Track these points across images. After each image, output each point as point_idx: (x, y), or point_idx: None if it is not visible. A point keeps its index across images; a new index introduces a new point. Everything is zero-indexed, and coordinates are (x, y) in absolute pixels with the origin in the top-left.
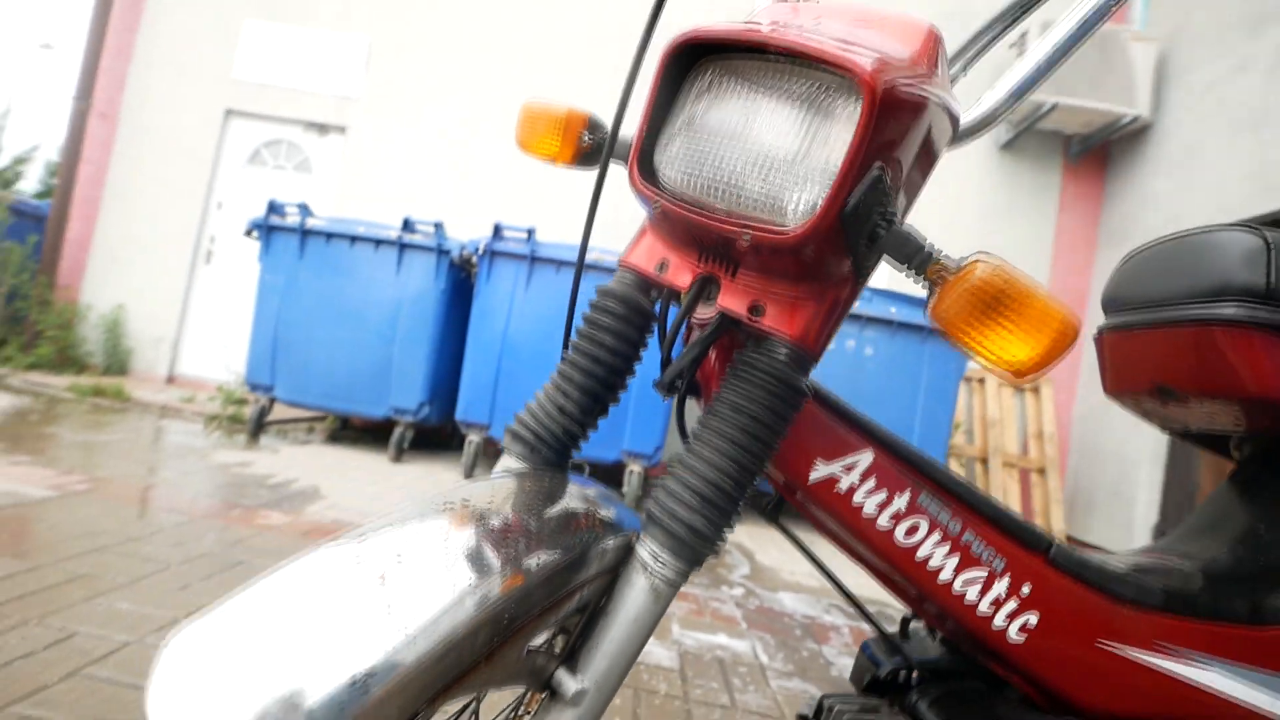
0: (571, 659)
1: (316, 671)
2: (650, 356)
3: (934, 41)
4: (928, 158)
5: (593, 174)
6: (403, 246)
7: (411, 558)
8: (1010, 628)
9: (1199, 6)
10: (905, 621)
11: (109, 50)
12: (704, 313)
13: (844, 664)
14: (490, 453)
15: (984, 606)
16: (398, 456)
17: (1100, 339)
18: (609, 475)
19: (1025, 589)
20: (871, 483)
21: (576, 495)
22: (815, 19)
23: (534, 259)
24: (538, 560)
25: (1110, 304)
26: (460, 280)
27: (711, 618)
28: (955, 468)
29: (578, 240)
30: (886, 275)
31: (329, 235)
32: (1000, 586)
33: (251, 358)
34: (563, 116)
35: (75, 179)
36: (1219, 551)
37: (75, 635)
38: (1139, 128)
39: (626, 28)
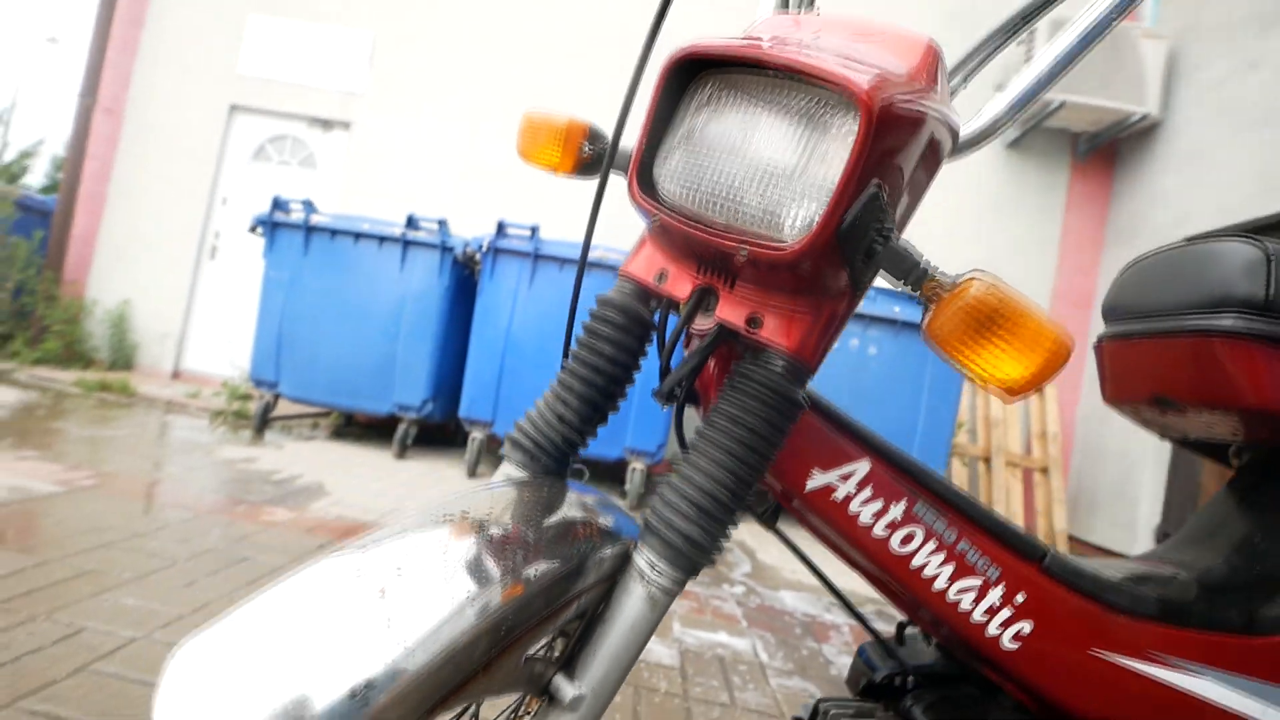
0: (569, 665)
1: (317, 684)
2: (652, 359)
3: (933, 56)
4: (926, 171)
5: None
6: (407, 243)
7: (411, 570)
8: (1004, 635)
9: (1209, 4)
10: (901, 627)
11: (114, 46)
12: (702, 323)
13: (843, 663)
14: (493, 449)
15: (978, 615)
16: (401, 453)
17: (1100, 347)
18: (612, 473)
19: (1019, 597)
20: (868, 492)
21: (575, 503)
22: (815, 32)
23: (538, 256)
24: (536, 570)
25: (1110, 313)
26: (464, 277)
27: (712, 616)
28: (958, 467)
29: (581, 238)
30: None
31: (333, 232)
32: (994, 595)
33: (256, 354)
34: (563, 127)
35: (80, 175)
36: (1214, 560)
37: (83, 631)
38: (1148, 126)
39: (630, 22)
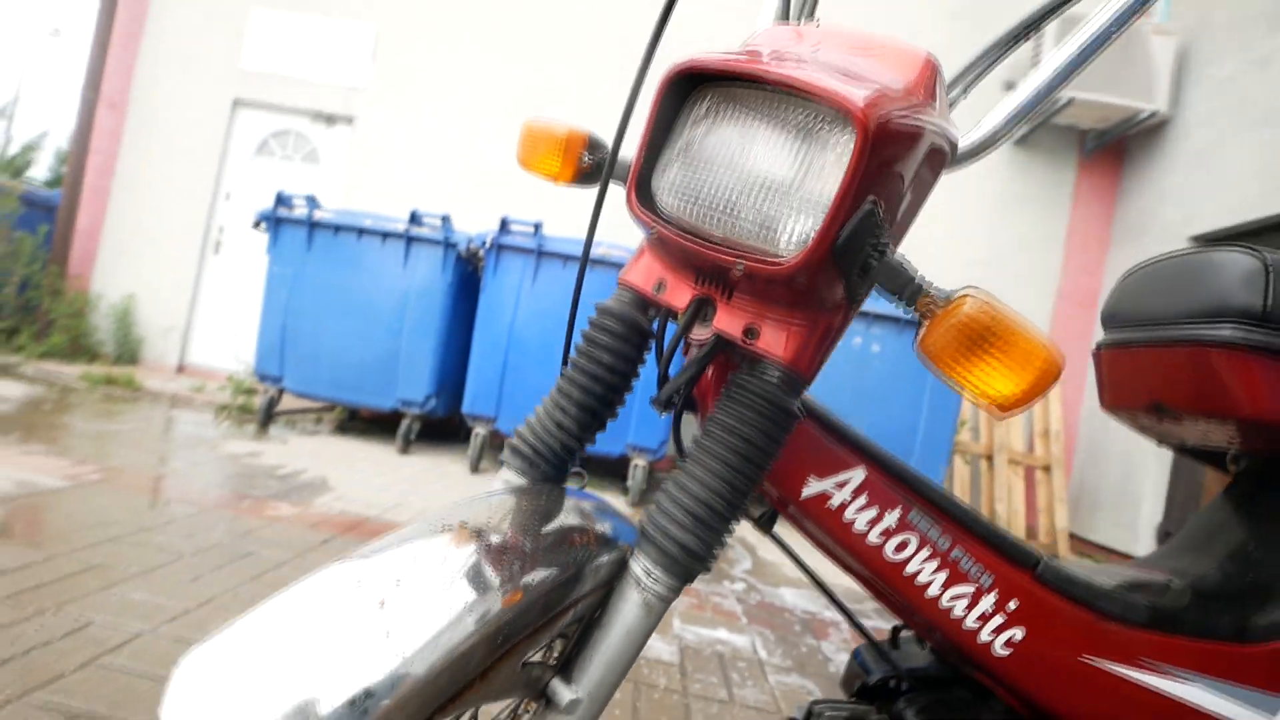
0: (566, 668)
1: (319, 694)
2: (652, 363)
3: (931, 69)
4: (924, 184)
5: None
6: (410, 239)
7: (410, 581)
8: (996, 642)
9: (1221, 1)
10: (895, 630)
11: (117, 39)
12: (700, 333)
13: (842, 660)
14: (496, 445)
15: (970, 621)
16: (405, 448)
17: (1098, 354)
18: (614, 469)
19: (1012, 604)
20: (863, 500)
21: (572, 510)
22: (814, 46)
23: (541, 253)
24: (533, 579)
25: (1109, 320)
26: (467, 273)
27: (712, 612)
28: (960, 464)
29: (584, 234)
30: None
31: (336, 228)
32: (987, 602)
33: (260, 349)
34: (563, 137)
35: (84, 169)
36: (1208, 568)
37: (91, 625)
38: (1157, 123)
39: (634, 19)
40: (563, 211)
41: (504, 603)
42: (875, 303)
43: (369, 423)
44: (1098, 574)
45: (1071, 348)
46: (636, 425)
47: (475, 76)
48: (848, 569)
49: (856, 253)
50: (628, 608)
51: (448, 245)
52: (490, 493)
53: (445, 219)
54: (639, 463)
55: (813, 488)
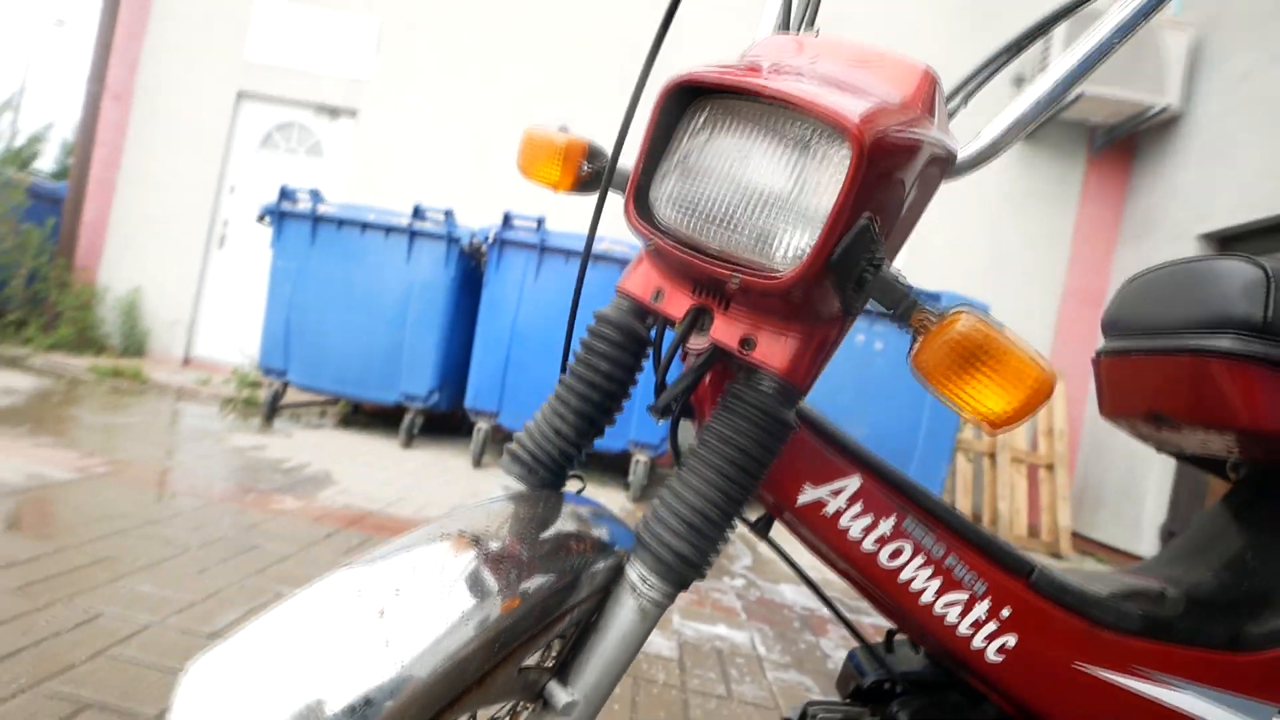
0: (563, 671)
1: (319, 703)
2: (652, 369)
3: (930, 82)
4: (922, 196)
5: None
6: (413, 234)
7: (409, 590)
8: (989, 648)
9: None
10: (890, 634)
11: (121, 31)
12: (697, 342)
13: (840, 656)
14: (498, 439)
15: (964, 628)
16: (408, 442)
17: (1098, 362)
18: (615, 464)
19: (1005, 612)
20: (858, 507)
21: (570, 516)
22: (813, 58)
23: (544, 248)
24: (530, 586)
25: (1109, 327)
26: (470, 268)
27: (712, 608)
28: (963, 462)
29: (586, 230)
30: (899, 268)
31: (340, 222)
32: (980, 609)
33: (265, 343)
34: (562, 146)
35: (90, 162)
36: (1204, 576)
37: (101, 616)
38: (1168, 118)
39: (639, 10)
40: (565, 207)
41: (502, 609)
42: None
43: (372, 416)
44: (1092, 582)
45: (1076, 346)
46: (638, 421)
47: (479, 70)
48: (843, 574)
49: (852, 267)
50: (624, 613)
51: (451, 240)
52: (489, 500)
53: (448, 214)
54: (640, 459)
55: (808, 495)
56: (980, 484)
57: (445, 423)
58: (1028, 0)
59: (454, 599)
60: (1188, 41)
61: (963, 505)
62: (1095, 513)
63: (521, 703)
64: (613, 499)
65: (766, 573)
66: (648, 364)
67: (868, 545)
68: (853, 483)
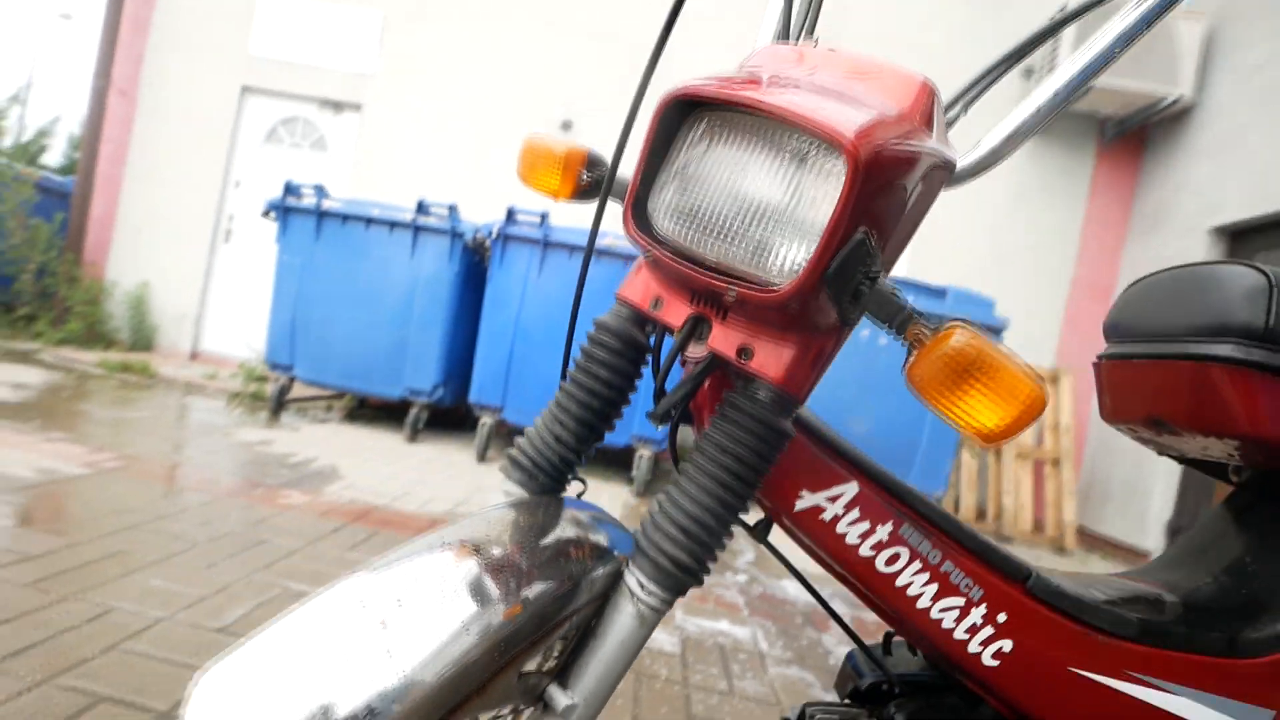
0: (563, 674)
1: (324, 713)
2: (651, 375)
3: (928, 94)
4: (920, 206)
5: (593, 202)
6: (417, 229)
7: (411, 600)
8: (985, 653)
9: None
10: (888, 636)
11: (126, 25)
12: (696, 351)
13: (842, 652)
14: (502, 434)
15: (960, 632)
16: (413, 437)
17: (1099, 366)
18: (619, 459)
19: (1001, 617)
20: (855, 513)
21: (569, 523)
22: (811, 69)
23: (547, 243)
24: (530, 594)
25: (1111, 331)
26: (474, 263)
27: (715, 604)
28: (967, 458)
29: (591, 225)
30: (904, 264)
31: (345, 217)
32: (977, 614)
33: (271, 338)
34: (562, 155)
35: (97, 157)
36: (1203, 580)
37: (113, 611)
38: (1180, 110)
39: (643, 2)
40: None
41: (502, 618)
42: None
43: (378, 411)
44: (1089, 587)
45: (1084, 341)
46: (641, 417)
47: (482, 63)
48: (841, 579)
49: (848, 281)
50: (622, 619)
51: (454, 235)
52: (490, 507)
53: (452, 208)
54: (644, 453)
55: (806, 501)
56: (985, 479)
57: (450, 417)
58: None
59: (455, 608)
60: (1201, 32)
61: (967, 500)
62: (1101, 508)
63: (522, 706)
64: (616, 494)
65: (769, 568)
66: (647, 369)
67: (865, 551)
68: (850, 489)
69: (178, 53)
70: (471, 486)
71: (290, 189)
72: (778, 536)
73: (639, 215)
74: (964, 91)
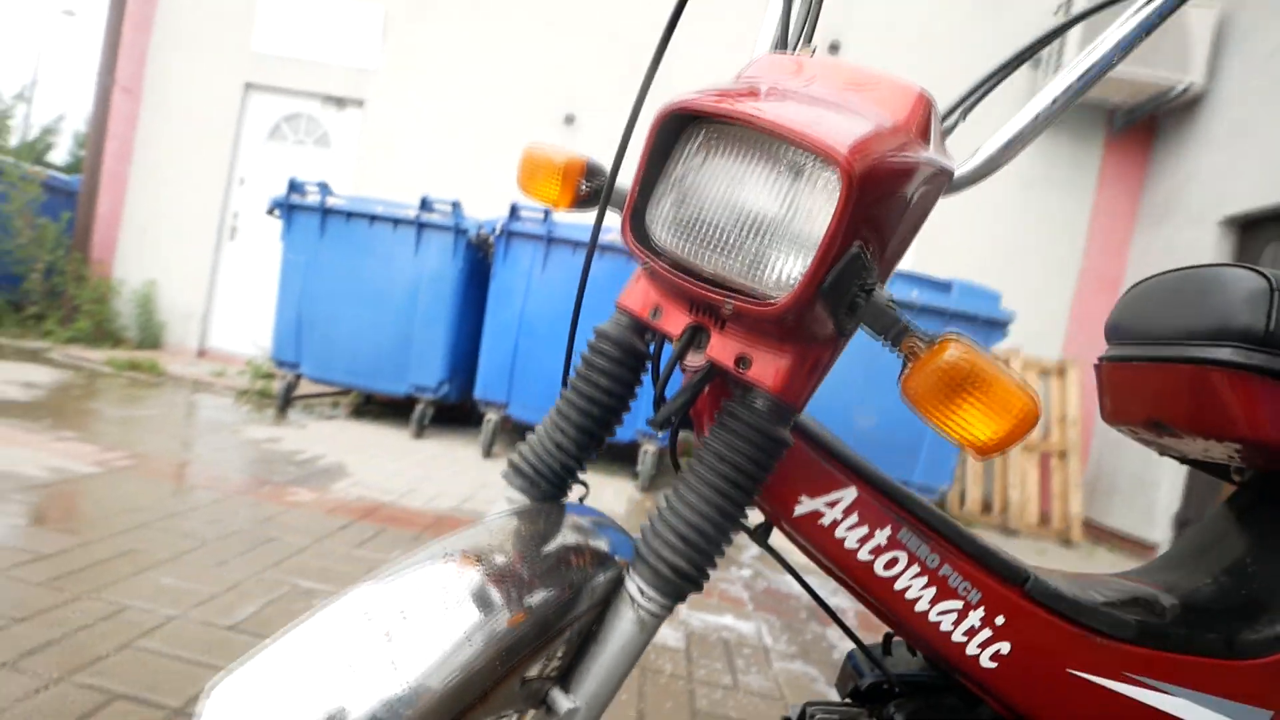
0: (565, 678)
1: None
2: (650, 383)
3: (924, 105)
4: (917, 215)
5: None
6: (421, 226)
7: (414, 612)
8: (982, 655)
9: None
10: (888, 636)
11: (129, 23)
12: (694, 360)
13: (845, 647)
14: (507, 430)
15: (958, 635)
16: (419, 433)
17: (1099, 368)
18: (625, 454)
19: (999, 620)
20: (854, 519)
21: (570, 530)
22: (808, 80)
23: (550, 240)
24: (531, 603)
25: (1112, 333)
26: (478, 260)
27: (719, 599)
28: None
29: (593, 221)
30: (909, 257)
31: (349, 214)
32: (975, 617)
33: (277, 335)
34: (561, 165)
35: (102, 155)
36: (1202, 581)
37: (126, 609)
38: (1191, 98)
39: None
40: None
41: (503, 630)
42: (890, 288)
43: (384, 406)
44: (1089, 588)
45: (1091, 333)
46: (646, 411)
47: (485, 58)
48: (840, 581)
49: (843, 294)
50: (623, 625)
51: (458, 231)
52: (492, 516)
53: (455, 205)
54: (649, 449)
55: (804, 506)
56: (991, 472)
57: (455, 413)
58: None
59: (458, 619)
60: (1213, 19)
61: (973, 493)
62: (1108, 500)
63: (525, 709)
64: (621, 488)
65: (773, 563)
66: (647, 376)
67: (863, 555)
68: (848, 494)
69: (180, 49)
70: (477, 483)
71: (294, 186)
72: (779, 536)
73: (637, 227)
74: (962, 99)
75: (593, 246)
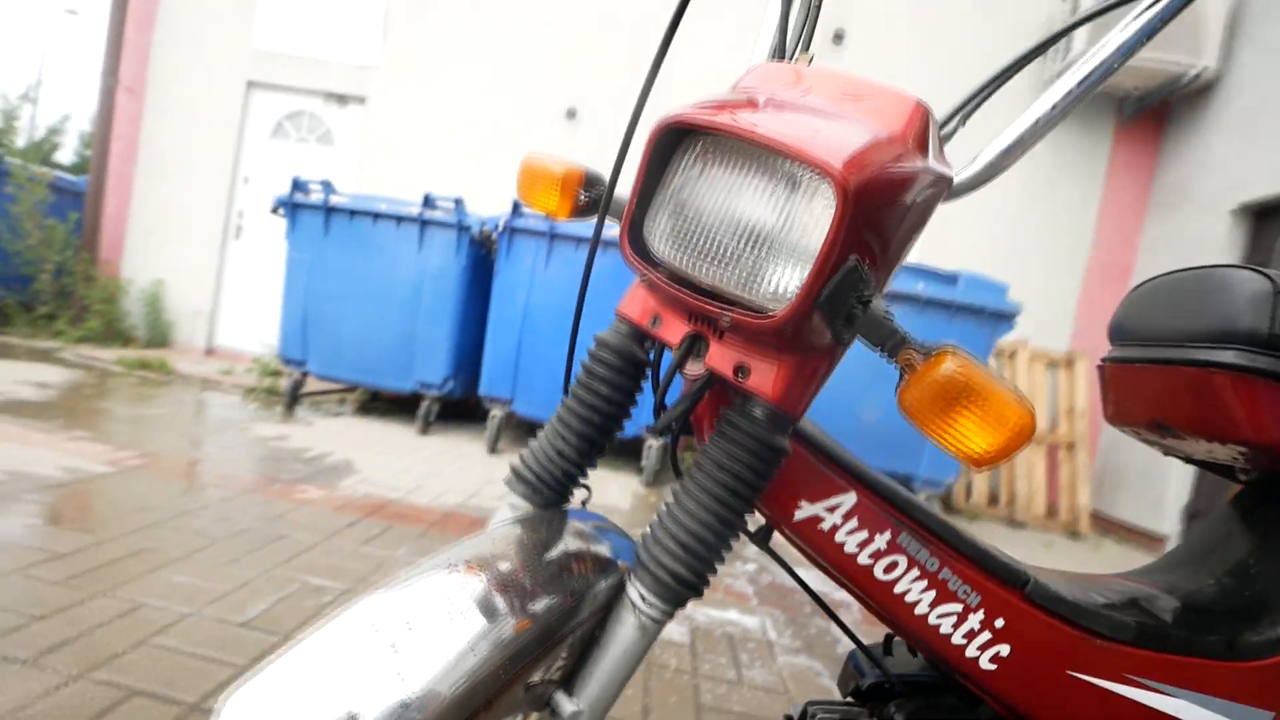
0: (568, 681)
1: None
2: (651, 390)
3: (921, 115)
4: (915, 224)
5: (592, 219)
6: (424, 223)
7: (419, 623)
8: (982, 657)
9: None
10: (889, 637)
11: (131, 22)
12: (694, 368)
13: (849, 642)
14: (512, 426)
15: (958, 638)
16: (425, 429)
17: (1103, 369)
18: (630, 449)
19: (999, 622)
20: (853, 523)
21: (572, 537)
22: (805, 90)
23: (553, 236)
24: (534, 612)
25: (1115, 334)
26: (481, 257)
27: (724, 594)
28: None
29: (592, 234)
30: (915, 250)
31: (352, 212)
32: (974, 620)
33: (283, 333)
34: (560, 175)
35: (108, 156)
36: (1205, 582)
37: (141, 607)
38: (1203, 84)
39: None
40: None
41: (507, 638)
42: (896, 282)
43: (390, 404)
44: (1089, 590)
45: (1101, 323)
46: (650, 407)
47: (486, 54)
48: (840, 584)
49: (840, 306)
50: (625, 630)
51: (461, 228)
52: (495, 525)
53: (458, 202)
54: (653, 444)
55: (804, 511)
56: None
57: (460, 409)
58: None
59: (462, 629)
60: (1228, 2)
61: (980, 486)
62: (1116, 492)
63: (529, 713)
64: (626, 483)
65: None
66: (648, 382)
67: (863, 559)
68: (848, 499)
69: (183, 48)
70: (483, 479)
71: (298, 185)
72: (779, 537)
73: (635, 238)
74: (962, 105)
75: (591, 256)
